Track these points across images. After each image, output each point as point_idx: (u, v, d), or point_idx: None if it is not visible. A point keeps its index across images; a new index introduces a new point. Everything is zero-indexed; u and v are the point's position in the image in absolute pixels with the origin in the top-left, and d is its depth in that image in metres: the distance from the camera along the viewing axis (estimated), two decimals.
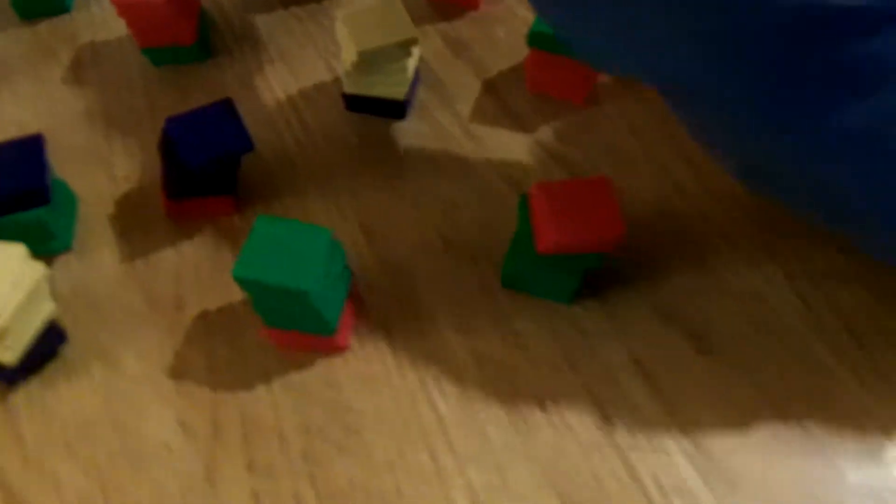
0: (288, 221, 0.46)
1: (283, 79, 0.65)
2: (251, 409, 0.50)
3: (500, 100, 0.63)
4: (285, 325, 0.49)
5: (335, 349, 0.52)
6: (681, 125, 0.47)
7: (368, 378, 0.51)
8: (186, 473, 0.48)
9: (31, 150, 0.53)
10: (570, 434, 0.49)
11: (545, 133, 0.61)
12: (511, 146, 0.61)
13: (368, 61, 0.58)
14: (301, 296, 0.44)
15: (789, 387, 0.50)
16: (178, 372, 0.51)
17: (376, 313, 0.54)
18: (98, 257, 0.56)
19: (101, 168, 0.61)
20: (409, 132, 0.62)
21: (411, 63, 0.60)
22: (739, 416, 0.49)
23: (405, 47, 0.57)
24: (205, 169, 0.53)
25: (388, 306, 0.54)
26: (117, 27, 0.70)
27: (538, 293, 0.54)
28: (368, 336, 0.53)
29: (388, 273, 0.55)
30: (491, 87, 0.64)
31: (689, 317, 0.53)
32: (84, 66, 0.68)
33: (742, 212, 0.57)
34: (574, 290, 0.53)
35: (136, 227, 0.57)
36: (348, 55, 0.59)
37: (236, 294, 0.54)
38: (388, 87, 0.60)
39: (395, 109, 0.62)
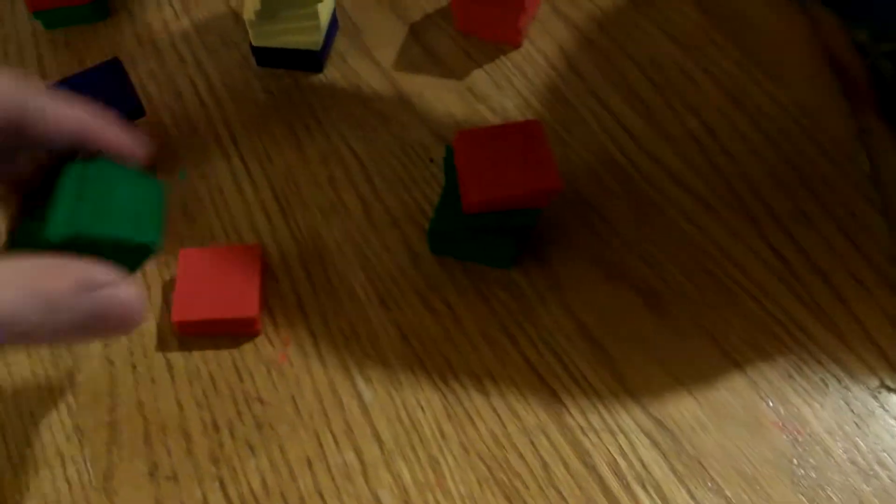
0: (103, 164, 0.34)
1: (187, 35, 0.55)
2: (152, 407, 0.42)
3: (426, 45, 0.55)
4: None
5: (246, 332, 0.44)
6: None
7: (283, 365, 0.43)
8: (81, 484, 0.40)
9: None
10: (512, 417, 0.41)
11: (476, 79, 0.53)
12: (438, 95, 0.52)
13: (273, 7, 0.48)
14: (143, 252, 0.33)
15: (755, 344, 0.42)
16: (71, 368, 0.43)
17: (290, 290, 0.45)
18: None
19: None
20: (325, 85, 0.53)
21: (324, 7, 0.50)
22: (702, 381, 0.41)
23: None
24: None
25: (303, 281, 0.45)
26: None
27: (472, 258, 0.45)
28: (282, 317, 0.44)
29: (302, 243, 0.47)
30: (416, 32, 0.55)
31: (640, 272, 0.45)
32: None
33: (698, 153, 0.48)
34: (512, 254, 0.44)
35: None
36: (251, 1, 0.48)
37: None
38: (300, 36, 0.50)
39: (310, 61, 0.53)
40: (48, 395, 0.42)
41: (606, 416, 0.40)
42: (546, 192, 0.40)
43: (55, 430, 0.41)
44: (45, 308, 0.28)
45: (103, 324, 0.30)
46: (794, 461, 0.39)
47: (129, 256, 0.33)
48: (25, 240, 0.33)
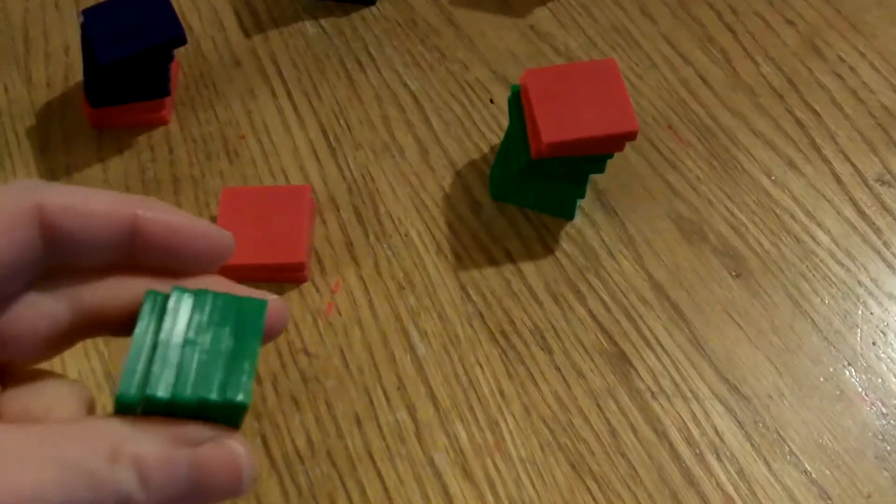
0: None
1: None
2: None
3: None
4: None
5: (292, 279, 0.41)
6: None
7: (331, 315, 0.40)
8: None
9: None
10: (577, 378, 0.38)
11: (539, 16, 0.50)
12: (499, 33, 0.49)
13: None
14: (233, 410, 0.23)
15: (840, 310, 0.39)
16: None
17: (339, 235, 0.43)
18: (14, 177, 0.46)
19: (15, 72, 0.49)
20: (378, 20, 0.50)
21: None
22: (782, 348, 0.39)
23: None
24: (123, 67, 0.43)
25: (354, 226, 0.43)
26: None
27: (535, 206, 0.43)
28: (331, 263, 0.42)
29: (354, 186, 0.44)
30: None
31: (718, 230, 0.42)
32: None
33: (779, 104, 0.45)
34: (578, 202, 0.42)
35: (57, 140, 0.47)
36: None
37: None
38: None
39: None
40: (79, 345, 0.40)
41: (679, 380, 0.38)
42: (623, 137, 0.37)
43: (85, 378, 0.39)
44: (87, 484, 0.21)
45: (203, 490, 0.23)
46: (879, 436, 0.36)
47: (217, 414, 0.24)
48: None
